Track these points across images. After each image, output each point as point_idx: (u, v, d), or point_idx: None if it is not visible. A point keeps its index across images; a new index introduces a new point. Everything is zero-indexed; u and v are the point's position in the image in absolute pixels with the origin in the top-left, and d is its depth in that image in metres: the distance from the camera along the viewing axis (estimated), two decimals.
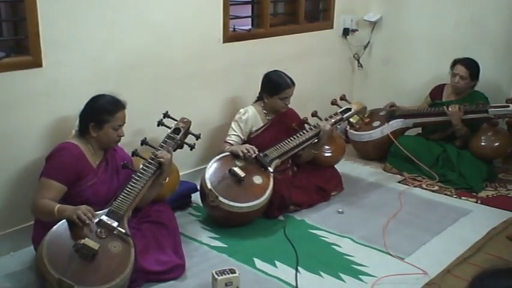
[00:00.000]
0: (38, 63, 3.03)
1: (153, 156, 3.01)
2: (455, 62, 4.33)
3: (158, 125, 3.30)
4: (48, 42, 3.04)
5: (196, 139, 3.36)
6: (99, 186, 2.89)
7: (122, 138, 2.96)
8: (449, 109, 4.20)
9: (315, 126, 3.84)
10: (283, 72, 3.81)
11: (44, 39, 3.01)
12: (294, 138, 3.77)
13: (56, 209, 2.63)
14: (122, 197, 2.79)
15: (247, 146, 3.61)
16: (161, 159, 2.98)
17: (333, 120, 3.91)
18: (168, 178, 3.11)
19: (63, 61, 3.14)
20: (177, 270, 2.89)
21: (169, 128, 3.26)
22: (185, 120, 3.34)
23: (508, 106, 4.13)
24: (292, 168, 3.95)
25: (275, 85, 3.75)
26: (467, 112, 4.18)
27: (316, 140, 3.83)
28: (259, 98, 3.89)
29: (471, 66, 4.28)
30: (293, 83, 3.76)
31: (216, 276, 2.69)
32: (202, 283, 2.83)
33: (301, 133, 3.81)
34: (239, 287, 2.71)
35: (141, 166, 2.98)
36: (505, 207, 3.78)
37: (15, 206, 3.07)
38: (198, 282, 2.85)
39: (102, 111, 2.85)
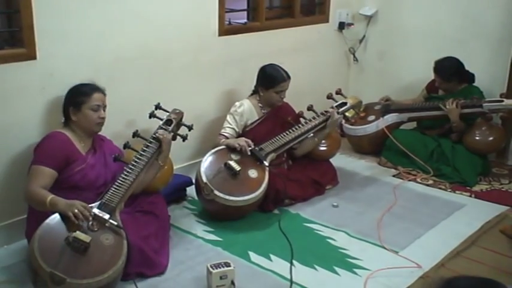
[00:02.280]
0: (32, 56, 3.01)
1: (153, 135, 3.07)
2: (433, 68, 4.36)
3: (150, 117, 3.28)
4: (42, 35, 3.02)
5: (189, 130, 3.35)
6: (88, 171, 2.89)
7: (113, 128, 2.97)
8: (447, 106, 4.21)
9: (323, 113, 3.87)
10: (278, 65, 3.81)
11: (38, 31, 3.00)
12: (290, 132, 3.77)
13: (48, 200, 2.62)
14: (113, 189, 2.79)
15: (244, 139, 3.61)
16: (161, 137, 3.04)
17: (321, 120, 3.91)
18: (166, 163, 3.12)
19: (58, 54, 3.13)
20: (156, 268, 2.85)
21: (161, 119, 3.26)
22: (177, 111, 3.33)
23: (502, 101, 4.14)
24: (287, 162, 3.95)
25: (270, 78, 3.74)
26: (464, 107, 4.19)
27: (319, 128, 3.85)
28: (255, 92, 3.88)
29: (441, 71, 4.30)
30: (288, 77, 3.76)
31: (211, 269, 2.69)
32: (197, 276, 2.83)
33: (298, 126, 3.81)
34: (234, 280, 2.71)
35: (142, 146, 3.01)
36: (498, 201, 3.80)
37: (10, 199, 3.06)
38: (193, 276, 2.85)
39: (78, 93, 2.93)
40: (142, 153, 3.00)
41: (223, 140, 3.68)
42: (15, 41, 3.06)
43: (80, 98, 2.90)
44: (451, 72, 4.29)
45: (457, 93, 4.33)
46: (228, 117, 3.79)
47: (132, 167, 2.91)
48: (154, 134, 3.10)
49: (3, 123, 2.99)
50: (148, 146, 3.03)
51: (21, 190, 2.87)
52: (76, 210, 2.56)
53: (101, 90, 2.97)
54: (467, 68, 4.33)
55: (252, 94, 3.91)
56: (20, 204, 2.87)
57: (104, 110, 2.97)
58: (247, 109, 3.80)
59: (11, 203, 3.07)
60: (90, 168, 2.91)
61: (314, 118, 3.88)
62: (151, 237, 2.93)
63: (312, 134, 3.86)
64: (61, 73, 3.15)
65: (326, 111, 3.90)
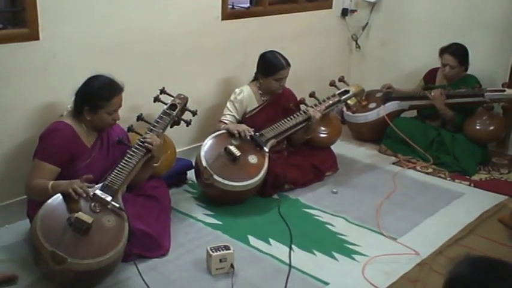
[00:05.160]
0: (35, 36, 3.00)
1: (141, 139, 2.95)
2: (443, 51, 4.28)
3: (154, 101, 3.29)
4: (45, 15, 3.01)
5: (193, 115, 3.37)
6: (94, 166, 2.87)
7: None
8: (432, 93, 4.21)
9: (304, 112, 3.80)
10: (278, 52, 3.78)
11: (41, 11, 2.99)
12: (291, 119, 3.77)
13: (49, 185, 2.63)
14: (116, 171, 2.79)
15: (244, 126, 3.61)
16: (149, 146, 2.93)
17: (323, 107, 3.89)
18: (160, 160, 3.09)
19: (61, 34, 3.12)
20: (159, 250, 2.88)
21: (166, 104, 3.26)
22: (182, 96, 3.33)
23: (504, 90, 4.15)
24: (287, 149, 3.96)
25: (270, 66, 3.72)
26: (450, 96, 4.18)
27: (305, 128, 3.81)
28: (255, 78, 3.87)
29: (458, 54, 4.25)
30: (288, 64, 3.73)
31: (211, 252, 2.71)
32: (197, 259, 2.85)
33: (298, 113, 3.80)
34: (233, 263, 2.74)
35: (132, 147, 2.96)
36: (497, 191, 3.82)
37: (11, 179, 3.08)
38: (192, 258, 2.87)
39: (97, 97, 2.78)
40: (135, 150, 2.93)
41: (224, 126, 3.68)
42: (18, 21, 3.04)
43: (98, 101, 2.77)
44: (466, 55, 4.27)
45: (458, 82, 4.32)
46: (228, 104, 3.79)
47: (136, 150, 2.91)
48: (143, 139, 2.94)
49: (5, 104, 2.99)
50: (137, 148, 2.93)
51: (21, 170, 2.88)
52: (75, 185, 2.57)
53: (121, 91, 2.84)
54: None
55: (252, 80, 3.90)
56: (21, 185, 2.87)
57: (118, 110, 2.88)
58: (246, 96, 3.79)
59: (12, 183, 3.08)
60: (96, 162, 2.89)
61: (299, 114, 3.80)
62: (153, 220, 2.94)
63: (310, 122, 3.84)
64: (64, 55, 3.14)
65: (305, 112, 3.80)
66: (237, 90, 3.81)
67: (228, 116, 3.75)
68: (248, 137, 3.55)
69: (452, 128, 4.34)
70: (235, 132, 3.55)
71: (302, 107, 3.92)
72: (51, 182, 2.65)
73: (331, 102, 3.94)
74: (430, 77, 4.55)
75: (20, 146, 3.08)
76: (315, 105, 3.90)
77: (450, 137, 4.29)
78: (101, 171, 2.88)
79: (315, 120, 3.77)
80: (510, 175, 4.13)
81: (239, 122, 3.78)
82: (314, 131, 3.91)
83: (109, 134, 3.01)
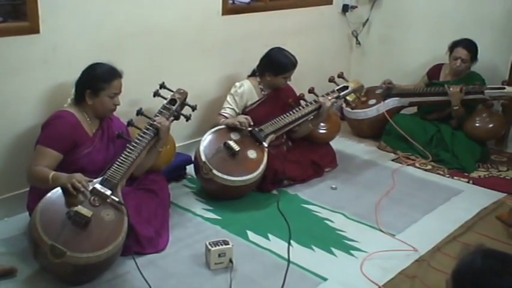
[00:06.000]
0: (35, 30, 3.00)
1: (151, 122, 3.03)
2: (455, 45, 4.29)
3: (154, 96, 3.29)
4: (46, 8, 3.00)
5: (193, 110, 3.36)
6: (95, 155, 2.89)
7: (118, 107, 2.96)
8: (451, 89, 4.20)
9: (314, 101, 3.84)
10: (287, 50, 3.78)
11: (41, 4, 2.98)
12: (290, 114, 3.77)
13: (50, 176, 2.64)
14: (116, 165, 2.80)
15: (244, 116, 3.61)
16: (158, 125, 3.02)
17: (333, 97, 3.91)
18: (165, 146, 3.12)
19: (61, 28, 3.11)
20: (156, 246, 2.89)
21: (166, 98, 3.26)
22: (181, 91, 3.33)
23: (504, 88, 4.15)
24: (287, 144, 3.96)
25: (281, 65, 3.72)
26: (466, 93, 4.19)
27: (314, 116, 3.83)
28: (255, 72, 3.87)
29: (472, 49, 4.26)
30: (297, 62, 3.76)
31: (210, 247, 2.72)
32: (195, 253, 2.85)
33: (298, 109, 3.81)
34: (232, 258, 2.74)
35: (137, 133, 2.99)
36: (496, 188, 3.82)
37: (11, 172, 3.08)
38: (191, 253, 2.87)
39: (98, 79, 2.85)
40: (146, 131, 3.00)
41: (223, 120, 3.68)
42: (19, 14, 3.04)
43: (100, 84, 2.84)
44: (477, 52, 4.28)
45: (463, 78, 4.32)
46: (228, 98, 3.79)
47: (135, 145, 2.92)
48: (152, 121, 3.06)
49: (5, 97, 2.99)
50: (145, 132, 3.00)
51: (22, 163, 2.88)
52: (74, 180, 2.58)
53: (120, 75, 2.92)
54: None
55: (252, 75, 3.90)
56: (21, 178, 2.88)
57: (118, 95, 2.94)
58: (247, 90, 3.79)
59: (12, 176, 3.08)
60: (98, 152, 2.91)
61: (310, 104, 3.84)
62: (152, 215, 2.95)
63: (312, 117, 3.86)
64: (64, 48, 3.14)
65: (315, 101, 3.85)
66: (237, 83, 3.81)
67: (227, 109, 3.75)
68: (249, 127, 3.55)
69: (456, 124, 4.33)
70: (236, 123, 3.55)
71: (309, 99, 3.91)
72: (52, 173, 2.65)
73: (333, 96, 3.95)
74: (433, 73, 4.55)
75: (20, 139, 3.08)
76: (327, 94, 3.90)
77: (450, 134, 4.29)
78: (102, 161, 2.89)
79: (325, 107, 3.79)
80: (509, 172, 4.14)
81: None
82: (322, 120, 3.91)
83: (109, 126, 3.02)
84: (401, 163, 4.24)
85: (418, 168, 4.17)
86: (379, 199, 3.58)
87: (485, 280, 1.46)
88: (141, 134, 2.98)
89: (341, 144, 4.48)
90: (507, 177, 4.05)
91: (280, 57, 3.74)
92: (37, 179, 2.71)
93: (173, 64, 3.79)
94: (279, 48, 3.80)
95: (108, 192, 2.65)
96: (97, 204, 2.61)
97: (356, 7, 5.16)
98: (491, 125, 4.26)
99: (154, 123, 3.03)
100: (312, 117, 3.84)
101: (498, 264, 1.49)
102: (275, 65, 3.73)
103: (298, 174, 3.77)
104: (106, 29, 3.34)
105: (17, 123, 3.07)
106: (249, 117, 3.60)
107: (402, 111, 4.65)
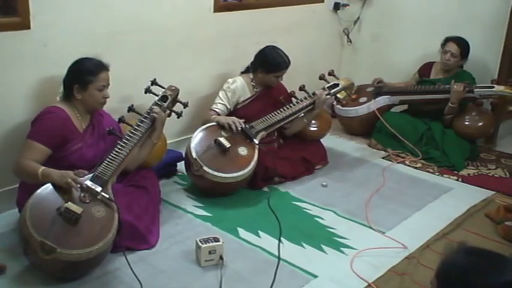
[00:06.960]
0: (26, 25, 2.98)
1: (148, 111, 3.06)
2: (447, 40, 4.34)
3: (146, 92, 3.28)
4: (37, 3, 2.99)
5: (184, 107, 3.36)
6: (86, 151, 2.89)
7: (108, 103, 2.96)
8: (455, 87, 4.20)
9: (313, 94, 3.86)
10: (280, 49, 3.80)
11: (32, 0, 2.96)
12: (281, 111, 3.78)
13: (39, 171, 2.63)
14: (106, 162, 2.80)
15: (234, 118, 3.62)
16: (155, 115, 3.04)
17: (330, 91, 3.93)
18: (159, 140, 3.13)
19: (52, 24, 3.10)
20: (146, 243, 2.88)
21: (157, 95, 3.25)
22: (173, 88, 3.33)
23: (493, 87, 4.18)
24: (278, 141, 3.97)
25: (274, 64, 3.74)
26: (468, 92, 4.20)
27: (308, 110, 3.85)
28: (248, 70, 3.87)
29: (462, 45, 4.30)
30: (289, 62, 3.77)
31: (200, 244, 2.72)
32: (186, 250, 2.86)
33: (289, 106, 3.82)
34: (223, 255, 2.75)
35: (134, 124, 3.01)
36: (485, 186, 3.85)
37: (0, 168, 3.06)
38: (182, 250, 2.88)
39: (85, 73, 2.85)
40: (137, 127, 3.00)
41: (214, 116, 3.68)
42: (9, 10, 3.01)
43: (87, 77, 2.84)
44: (468, 50, 4.33)
45: (453, 77, 4.34)
46: (220, 93, 3.79)
47: (126, 141, 2.92)
48: (150, 110, 3.09)
49: None
50: (142, 121, 3.03)
51: (11, 159, 2.86)
52: (69, 180, 2.57)
53: (107, 68, 2.92)
54: None
55: (244, 71, 3.91)
56: (10, 174, 2.86)
57: (107, 88, 2.94)
58: (239, 86, 3.80)
59: (1, 172, 3.06)
60: (88, 148, 2.91)
61: (305, 98, 3.88)
62: (143, 212, 2.95)
63: (302, 114, 3.87)
64: (55, 44, 3.12)
65: (314, 94, 3.89)
66: (230, 80, 3.82)
67: (219, 104, 3.75)
68: (239, 129, 3.56)
69: (449, 122, 4.35)
70: (226, 124, 3.55)
71: (299, 96, 3.93)
72: (41, 168, 2.64)
73: (330, 91, 3.98)
74: (425, 70, 4.58)
75: (9, 135, 3.06)
76: (304, 98, 3.91)
77: (440, 132, 4.31)
78: (92, 158, 2.89)
79: (321, 99, 3.82)
80: (497, 171, 4.17)
81: (230, 112, 3.78)
82: (317, 113, 3.92)
83: (100, 122, 3.02)
84: (391, 161, 4.26)
85: (408, 165, 4.19)
86: (370, 196, 3.60)
87: (470, 278, 1.46)
88: (138, 124, 3.00)
89: (332, 141, 4.49)
90: (496, 175, 4.08)
91: (273, 55, 3.75)
92: (25, 173, 2.70)
93: (165, 61, 3.78)
94: (273, 46, 3.81)
95: (99, 189, 2.65)
96: (87, 201, 2.61)
97: (347, 5, 5.17)
98: (480, 124, 4.29)
99: (152, 112, 3.05)
100: (302, 114, 3.85)
101: (482, 261, 1.49)
102: (268, 62, 3.74)
103: (289, 172, 3.78)
104: (97, 25, 3.33)
105: (6, 120, 3.05)
106: (240, 121, 3.60)
107: (393, 109, 4.67)
